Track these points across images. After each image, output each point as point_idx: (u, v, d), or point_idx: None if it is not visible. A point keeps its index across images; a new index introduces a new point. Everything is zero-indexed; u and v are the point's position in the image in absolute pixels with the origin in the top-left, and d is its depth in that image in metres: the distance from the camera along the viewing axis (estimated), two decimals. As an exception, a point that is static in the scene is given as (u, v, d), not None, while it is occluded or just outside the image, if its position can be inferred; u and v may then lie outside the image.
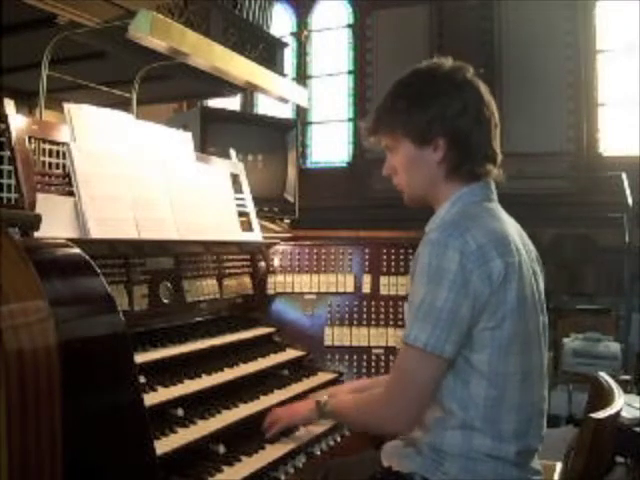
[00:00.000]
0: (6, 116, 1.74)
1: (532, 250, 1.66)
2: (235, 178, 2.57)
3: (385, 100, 1.64)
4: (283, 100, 4.09)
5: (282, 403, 2.00)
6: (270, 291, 2.55)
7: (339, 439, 2.03)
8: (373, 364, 2.42)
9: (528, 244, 1.66)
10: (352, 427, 1.94)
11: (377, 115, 1.65)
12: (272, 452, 1.76)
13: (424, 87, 1.58)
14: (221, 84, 4.05)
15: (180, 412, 1.71)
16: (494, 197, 1.63)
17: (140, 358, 1.76)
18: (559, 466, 1.91)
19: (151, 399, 1.65)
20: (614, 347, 5.24)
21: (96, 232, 1.81)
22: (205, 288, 2.22)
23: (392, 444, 1.65)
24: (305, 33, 9.51)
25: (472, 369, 1.47)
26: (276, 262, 2.57)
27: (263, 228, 2.70)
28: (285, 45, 5.19)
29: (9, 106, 1.77)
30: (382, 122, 1.64)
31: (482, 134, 1.57)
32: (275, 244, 2.60)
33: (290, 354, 2.38)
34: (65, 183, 1.85)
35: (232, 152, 2.69)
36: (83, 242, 1.62)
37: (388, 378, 1.58)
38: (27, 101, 4.29)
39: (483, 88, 1.60)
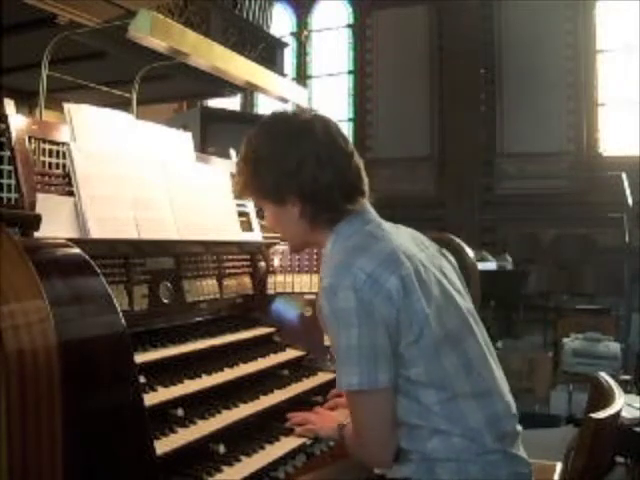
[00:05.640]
0: (6, 116, 1.74)
1: (429, 245, 1.68)
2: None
3: (237, 170, 1.71)
4: (283, 100, 4.09)
5: (282, 403, 2.00)
6: (270, 291, 2.55)
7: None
8: (373, 364, 2.41)
9: (423, 242, 1.67)
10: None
11: (237, 180, 1.72)
12: (272, 452, 1.76)
13: (261, 151, 1.62)
14: (221, 84, 4.06)
15: (180, 412, 1.70)
16: (371, 217, 1.63)
17: (140, 358, 1.76)
18: (559, 466, 1.91)
19: (151, 399, 1.65)
20: (614, 347, 5.24)
21: (96, 232, 1.81)
22: (205, 288, 2.22)
23: None
24: (305, 33, 9.52)
25: (415, 384, 1.48)
26: (276, 262, 2.57)
27: (263, 228, 2.70)
28: (285, 45, 5.21)
29: (9, 106, 1.77)
30: (242, 187, 1.70)
31: (330, 177, 1.57)
32: (275, 244, 2.59)
33: (290, 354, 2.37)
34: (65, 183, 1.85)
35: (232, 152, 2.69)
36: (83, 242, 1.62)
37: (354, 422, 1.58)
38: (27, 101, 4.30)
39: (320, 128, 1.60)
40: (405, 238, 1.61)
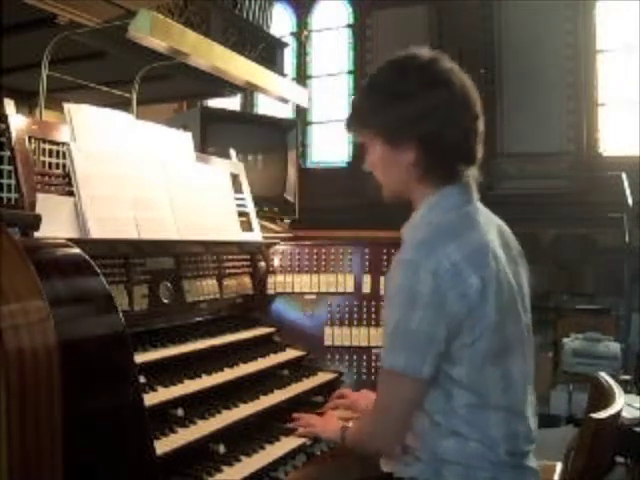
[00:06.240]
0: (6, 116, 1.74)
1: (513, 247, 1.62)
2: (235, 178, 2.57)
3: (359, 96, 1.63)
4: (283, 100, 4.09)
5: (282, 403, 2.00)
6: (270, 291, 2.55)
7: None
8: (373, 364, 2.42)
9: (509, 242, 1.62)
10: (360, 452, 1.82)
11: (352, 111, 1.64)
12: (272, 452, 1.76)
13: (394, 87, 1.54)
14: (221, 84, 4.05)
15: (180, 412, 1.71)
16: (473, 198, 1.58)
17: (140, 358, 1.76)
18: (559, 466, 1.91)
19: (151, 399, 1.65)
20: (614, 347, 5.24)
21: (96, 232, 1.81)
22: (205, 288, 2.22)
23: None
24: (305, 33, 9.52)
25: (453, 382, 1.47)
26: (276, 262, 2.57)
27: (263, 228, 2.70)
28: (285, 45, 5.20)
29: (9, 106, 1.77)
30: (356, 119, 1.63)
31: (456, 134, 1.52)
32: (275, 244, 2.59)
33: (290, 354, 2.38)
34: (65, 183, 1.85)
35: (232, 152, 2.69)
36: (83, 242, 1.62)
37: (377, 401, 1.57)
38: (27, 101, 4.30)
39: (458, 82, 1.53)
40: (494, 234, 1.55)
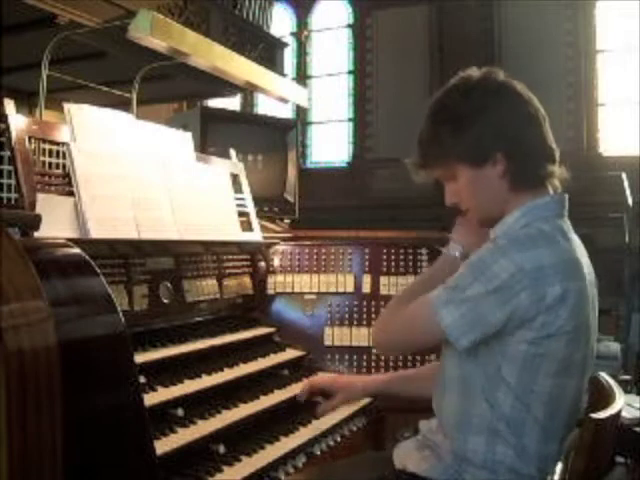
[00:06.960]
0: (6, 116, 1.74)
1: (592, 273, 1.59)
2: (235, 178, 2.57)
3: (426, 130, 1.59)
4: (283, 100, 4.09)
5: (282, 403, 2.00)
6: (270, 291, 2.55)
7: (339, 439, 2.03)
8: (373, 364, 2.42)
9: (589, 265, 1.59)
10: None
11: (422, 148, 1.59)
12: (272, 452, 1.76)
13: (460, 105, 1.53)
14: (221, 84, 4.05)
15: (180, 412, 1.71)
16: (565, 212, 1.57)
17: (140, 358, 1.76)
18: (559, 466, 1.91)
19: (151, 399, 1.65)
20: (614, 347, 5.23)
21: (96, 232, 1.81)
22: (205, 288, 2.22)
23: (407, 445, 1.65)
24: (305, 33, 9.53)
25: (501, 379, 1.45)
26: (276, 262, 2.57)
27: (263, 228, 2.70)
28: (285, 45, 5.20)
29: (9, 106, 1.77)
30: (430, 154, 1.58)
31: (534, 134, 1.53)
32: (275, 244, 2.60)
33: (290, 354, 2.38)
34: (65, 183, 1.85)
35: (232, 152, 2.69)
36: (83, 242, 1.62)
37: (407, 312, 1.56)
38: (27, 101, 4.30)
39: (520, 87, 1.56)
40: (581, 253, 1.54)
